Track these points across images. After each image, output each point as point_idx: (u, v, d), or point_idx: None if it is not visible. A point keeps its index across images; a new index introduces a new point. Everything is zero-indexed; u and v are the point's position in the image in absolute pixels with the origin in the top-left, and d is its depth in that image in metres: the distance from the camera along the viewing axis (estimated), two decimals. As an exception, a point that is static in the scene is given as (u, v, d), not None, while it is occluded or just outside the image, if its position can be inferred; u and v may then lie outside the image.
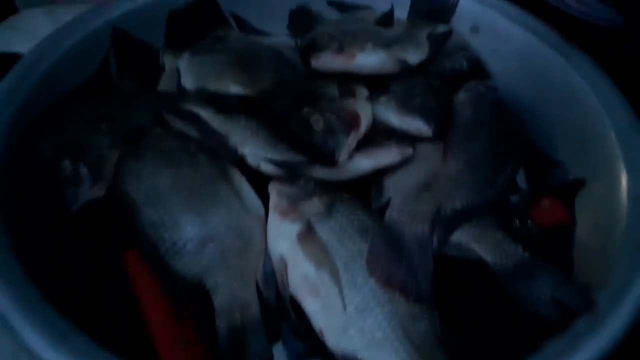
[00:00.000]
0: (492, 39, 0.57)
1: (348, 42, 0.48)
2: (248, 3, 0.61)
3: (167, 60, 0.56)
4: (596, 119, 0.48)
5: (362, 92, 0.48)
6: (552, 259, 0.40)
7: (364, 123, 0.44)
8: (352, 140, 0.43)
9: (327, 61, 0.47)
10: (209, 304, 0.39)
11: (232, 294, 0.40)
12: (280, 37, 0.61)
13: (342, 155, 0.42)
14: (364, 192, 0.46)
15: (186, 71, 0.51)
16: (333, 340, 0.38)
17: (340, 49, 0.47)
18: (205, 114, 0.46)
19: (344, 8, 0.62)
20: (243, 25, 0.61)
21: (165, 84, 0.54)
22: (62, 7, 0.73)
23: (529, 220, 0.43)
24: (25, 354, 0.34)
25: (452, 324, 0.38)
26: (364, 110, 0.45)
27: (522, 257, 0.40)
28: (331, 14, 0.62)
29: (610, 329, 0.35)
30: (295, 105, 0.43)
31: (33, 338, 0.33)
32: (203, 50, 0.53)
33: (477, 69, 0.56)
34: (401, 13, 0.60)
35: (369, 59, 0.48)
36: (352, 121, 0.43)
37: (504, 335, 0.38)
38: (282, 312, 0.41)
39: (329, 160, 0.42)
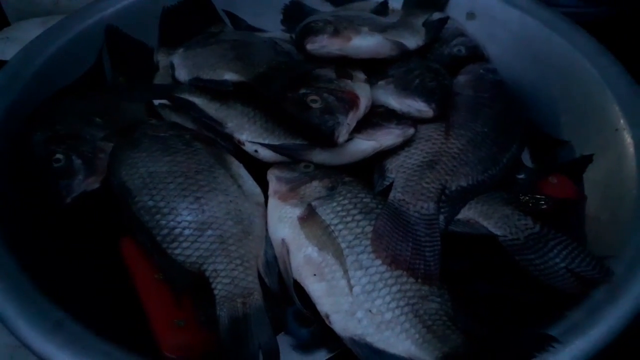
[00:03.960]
0: (488, 24, 0.57)
1: (344, 26, 0.47)
2: (242, 0, 0.60)
3: (162, 58, 0.55)
4: (598, 93, 0.47)
5: (360, 75, 0.47)
6: (564, 232, 0.38)
7: (363, 102, 0.43)
8: (352, 119, 0.41)
9: (323, 44, 0.46)
10: (209, 291, 0.37)
11: (233, 282, 0.38)
12: (274, 32, 0.60)
13: (342, 135, 0.41)
14: (366, 176, 0.45)
15: (180, 64, 0.50)
16: (340, 324, 0.36)
17: (336, 32, 0.46)
18: (200, 101, 0.45)
19: (338, 2, 0.62)
20: (237, 22, 0.61)
21: (159, 81, 0.54)
22: (58, 17, 0.72)
23: (537, 194, 0.41)
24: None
25: (463, 302, 0.36)
26: (363, 91, 0.44)
27: (533, 229, 0.38)
28: (325, 9, 0.61)
29: (629, 298, 0.33)
30: (291, 87, 0.42)
31: (26, 329, 0.32)
32: (197, 45, 0.53)
33: (475, 54, 0.55)
34: (396, 5, 0.60)
35: (365, 42, 0.47)
36: (351, 100, 0.42)
37: (517, 310, 0.36)
38: (286, 299, 0.39)
39: (329, 140, 0.41)
